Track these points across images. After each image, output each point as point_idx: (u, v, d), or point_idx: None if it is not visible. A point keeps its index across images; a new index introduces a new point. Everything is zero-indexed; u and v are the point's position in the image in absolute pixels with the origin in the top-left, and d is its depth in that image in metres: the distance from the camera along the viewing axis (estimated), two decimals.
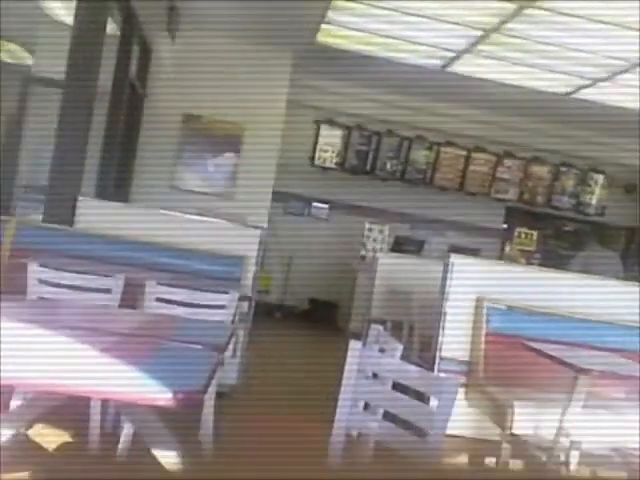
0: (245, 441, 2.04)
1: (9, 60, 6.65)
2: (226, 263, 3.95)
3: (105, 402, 2.75)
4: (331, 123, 7.85)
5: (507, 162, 8.14)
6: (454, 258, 3.63)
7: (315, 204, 7.94)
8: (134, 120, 6.30)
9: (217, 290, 3.19)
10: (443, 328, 3.53)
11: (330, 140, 7.86)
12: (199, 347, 2.18)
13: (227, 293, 3.13)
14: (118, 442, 2.66)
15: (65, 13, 5.23)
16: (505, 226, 8.45)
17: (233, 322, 3.22)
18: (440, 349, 3.52)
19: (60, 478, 2.42)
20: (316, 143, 7.81)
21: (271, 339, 5.42)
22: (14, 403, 2.24)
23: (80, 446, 2.77)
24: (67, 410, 2.08)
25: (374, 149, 7.90)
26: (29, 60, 6.66)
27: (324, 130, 7.83)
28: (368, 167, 7.90)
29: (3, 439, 1.94)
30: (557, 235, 8.64)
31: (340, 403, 1.87)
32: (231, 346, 3.08)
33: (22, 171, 6.07)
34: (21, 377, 1.66)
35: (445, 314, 3.55)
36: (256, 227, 4.37)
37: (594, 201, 8.33)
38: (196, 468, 2.06)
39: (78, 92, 4.26)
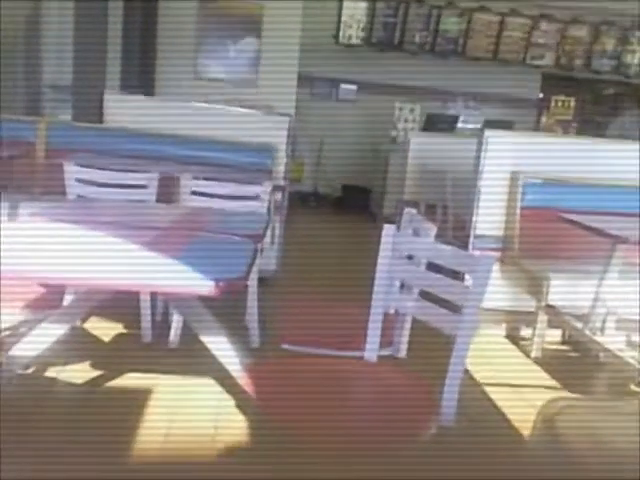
0: (289, 321, 2.14)
1: None
2: (256, 153, 3.94)
3: (153, 294, 2.90)
4: None
5: (543, 25, 7.66)
6: (488, 133, 3.54)
7: (342, 86, 7.68)
8: (151, 9, 6.08)
9: (250, 181, 3.20)
10: (477, 206, 3.52)
11: (354, 14, 7.46)
12: (237, 237, 2.22)
13: (260, 184, 3.15)
14: (169, 331, 2.84)
15: None
16: (541, 95, 8.12)
17: (268, 212, 3.27)
18: (475, 227, 3.53)
19: (117, 367, 2.61)
20: (340, 18, 7.43)
21: (306, 227, 5.51)
22: (67, 300, 2.36)
23: (134, 337, 2.94)
24: (119, 303, 2.19)
25: (401, 20, 7.49)
26: None
27: (347, 3, 7.43)
28: (396, 41, 7.52)
29: (61, 332, 2.07)
30: (595, 101, 8.27)
31: (376, 283, 1.91)
32: (268, 235, 3.15)
33: (46, 71, 6.01)
34: (70, 275, 1.73)
35: (479, 191, 3.52)
36: (284, 115, 4.30)
37: (636, 60, 7.88)
38: (246, 354, 2.18)
39: None
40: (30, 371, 2.45)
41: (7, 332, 2.61)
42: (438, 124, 6.63)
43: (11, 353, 2.06)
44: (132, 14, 5.43)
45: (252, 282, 2.92)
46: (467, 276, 1.77)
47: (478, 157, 3.54)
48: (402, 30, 7.51)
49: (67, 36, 4.45)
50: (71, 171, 3.02)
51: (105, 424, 2.15)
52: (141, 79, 5.87)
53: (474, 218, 3.53)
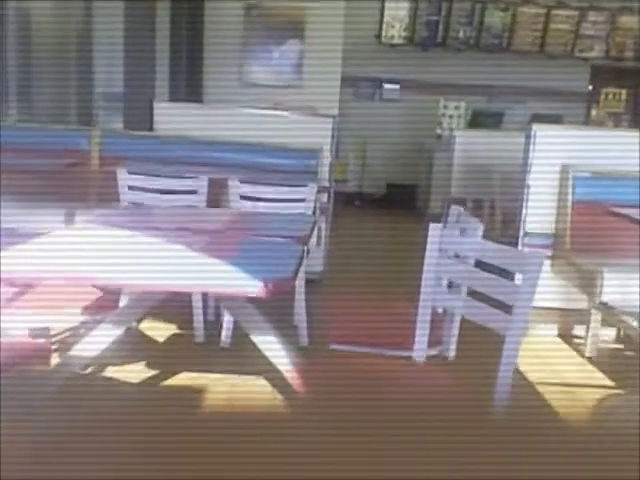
0: (337, 321, 2.16)
1: None
2: (301, 156, 3.98)
3: (205, 295, 2.97)
4: None
5: (591, 16, 7.46)
6: (536, 127, 3.48)
7: (386, 85, 7.66)
8: (197, 17, 6.21)
9: (296, 184, 3.24)
10: (526, 202, 3.46)
11: (396, 13, 7.43)
12: (284, 239, 2.26)
13: (305, 186, 3.19)
14: (221, 331, 2.90)
15: None
16: (590, 88, 7.90)
17: (314, 213, 3.30)
18: (524, 224, 3.48)
19: (171, 367, 2.69)
20: (382, 18, 7.42)
21: (352, 227, 5.52)
22: (123, 302, 2.45)
23: (187, 337, 3.02)
24: (172, 304, 2.26)
25: (444, 17, 7.43)
26: None
27: (389, 2, 7.41)
28: (439, 38, 7.46)
29: (117, 333, 2.15)
30: None
31: (424, 283, 1.91)
32: (314, 236, 3.18)
33: (98, 79, 6.20)
34: (125, 278, 1.80)
35: (528, 187, 3.46)
36: (328, 116, 4.33)
37: None
38: (296, 353, 2.22)
39: None
40: (89, 371, 2.54)
41: (67, 333, 2.73)
42: (484, 120, 6.55)
43: (71, 353, 2.15)
44: (179, 23, 5.57)
45: (300, 283, 2.96)
46: (517, 274, 1.75)
47: (526, 152, 3.48)
48: (445, 27, 7.45)
49: (118, 43, 4.59)
50: (124, 178, 3.12)
51: (160, 423, 2.22)
52: (189, 86, 6.01)
53: (523, 214, 3.48)
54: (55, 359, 2.28)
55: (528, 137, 3.46)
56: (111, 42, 5.60)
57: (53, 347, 2.53)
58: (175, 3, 5.50)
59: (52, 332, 2.50)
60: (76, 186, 3.66)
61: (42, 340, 2.20)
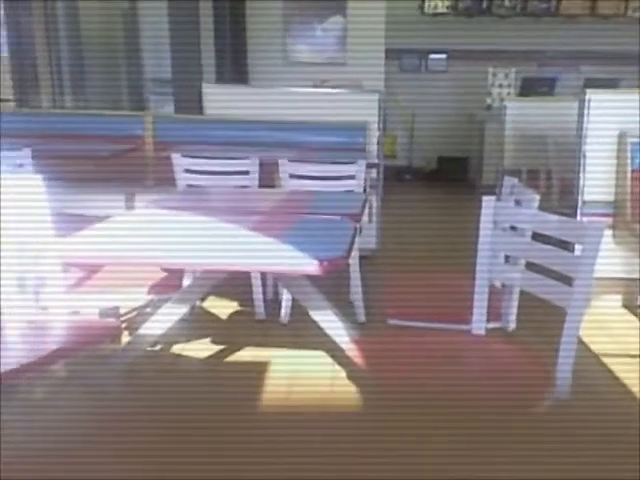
0: (393, 296, 2.18)
1: None
2: (349, 132, 3.98)
3: (263, 274, 3.03)
4: None
5: None
6: (590, 94, 3.37)
7: (432, 56, 7.53)
8: None
9: (345, 161, 3.25)
10: (583, 171, 3.38)
11: None
12: (337, 217, 2.28)
13: (354, 163, 3.19)
14: (280, 308, 2.97)
15: None
16: None
17: (365, 190, 3.30)
18: (582, 193, 3.39)
19: (234, 343, 2.77)
20: None
21: (403, 201, 5.47)
22: (186, 282, 2.53)
23: (248, 314, 3.10)
24: (233, 282, 2.32)
25: None
26: None
27: None
28: (484, 5, 7.27)
29: (183, 311, 2.23)
30: None
31: (479, 257, 1.89)
32: (366, 213, 3.18)
33: (147, 65, 6.30)
34: (187, 259, 1.85)
35: (584, 156, 3.37)
36: (373, 91, 4.30)
37: None
38: (354, 327, 2.25)
39: None
40: (157, 348, 2.64)
41: (135, 312, 2.84)
42: (535, 88, 6.36)
43: (140, 332, 2.24)
44: (221, 6, 5.59)
45: (354, 260, 2.99)
46: (577, 245, 1.72)
47: (581, 119, 3.38)
48: None
49: (164, 29, 4.65)
50: (179, 163, 3.19)
51: (227, 395, 2.30)
52: (235, 66, 6.05)
53: (581, 183, 3.39)
54: (125, 338, 2.39)
55: (582, 103, 3.36)
56: (157, 28, 5.68)
57: (123, 326, 2.64)
58: None
59: (121, 312, 2.62)
60: (134, 171, 3.77)
61: (112, 319, 2.31)
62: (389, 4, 6.44)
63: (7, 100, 5.24)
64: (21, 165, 3.08)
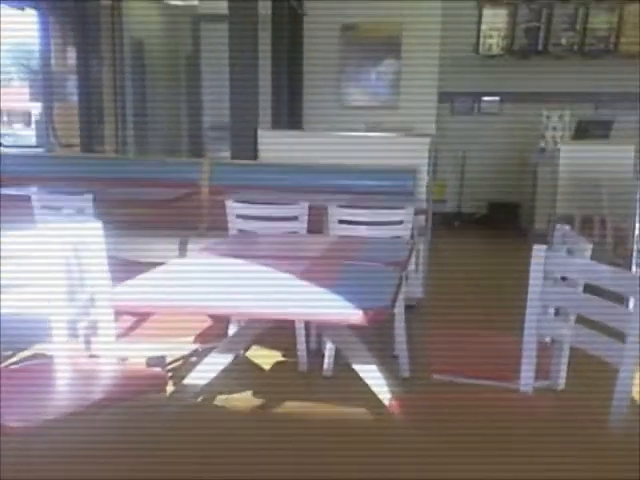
0: (439, 350, 2.14)
1: (178, 2, 7.08)
2: (397, 177, 4.00)
3: (307, 323, 3.03)
4: (494, 2, 7.23)
5: None
6: None
7: (484, 99, 7.50)
8: (297, 42, 6.41)
9: (393, 206, 3.25)
10: (639, 220, 3.28)
11: (494, 22, 7.27)
12: (383, 265, 2.27)
13: (403, 208, 3.19)
14: (323, 359, 2.95)
15: None
16: None
17: (412, 236, 3.29)
18: (637, 243, 3.28)
19: (277, 396, 2.75)
20: (479, 29, 7.28)
21: (452, 249, 5.41)
22: (232, 330, 2.56)
23: (291, 365, 3.09)
24: (277, 332, 2.33)
25: (545, 23, 7.18)
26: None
27: (487, 11, 7.24)
28: (540, 45, 7.21)
29: (227, 361, 2.24)
30: None
31: (528, 310, 1.86)
32: (413, 260, 3.17)
33: (206, 110, 6.55)
34: (234, 307, 1.88)
35: None
36: (424, 135, 4.32)
37: None
38: (397, 383, 2.21)
39: (242, 23, 4.39)
40: (200, 399, 2.63)
41: (180, 361, 2.88)
42: (591, 130, 6.24)
43: (185, 382, 2.27)
44: (280, 52, 5.77)
45: (399, 310, 2.95)
46: (631, 299, 1.67)
47: (637, 164, 3.30)
48: (546, 33, 7.19)
49: (224, 79, 4.82)
50: (231, 207, 3.28)
51: (268, 451, 2.28)
52: (290, 112, 6.21)
53: (637, 232, 3.28)
54: (170, 387, 2.42)
55: None
56: (217, 77, 5.91)
57: (168, 375, 2.68)
58: (275, 32, 5.71)
59: (167, 360, 2.66)
60: (189, 214, 3.89)
61: (158, 369, 2.34)
62: (443, 46, 6.49)
63: (73, 145, 5.54)
64: (82, 210, 3.21)
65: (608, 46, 7.09)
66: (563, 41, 7.18)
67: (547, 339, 2.00)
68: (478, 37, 7.28)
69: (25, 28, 5.72)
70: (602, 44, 7.10)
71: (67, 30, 5.84)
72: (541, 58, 7.20)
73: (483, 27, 7.27)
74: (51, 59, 5.84)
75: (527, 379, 1.85)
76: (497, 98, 7.46)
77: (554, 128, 6.91)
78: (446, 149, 6.72)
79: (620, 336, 1.59)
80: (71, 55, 5.81)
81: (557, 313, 1.94)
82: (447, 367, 1.98)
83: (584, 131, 6.31)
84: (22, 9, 5.58)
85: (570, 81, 7.08)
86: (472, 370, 1.96)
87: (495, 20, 7.27)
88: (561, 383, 1.93)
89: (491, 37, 7.30)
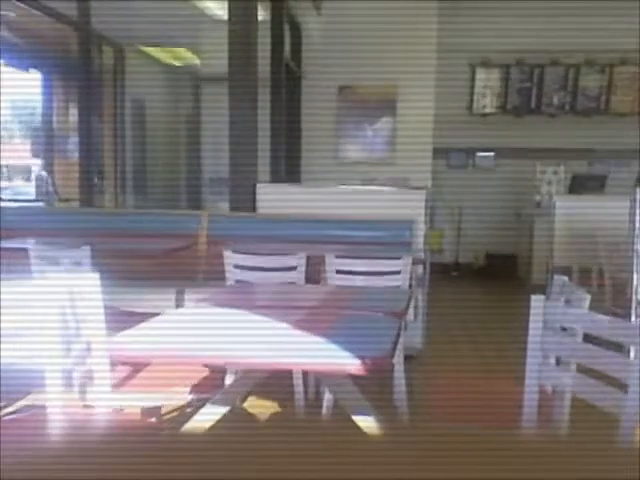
0: (439, 401, 2.11)
1: (178, 63, 7.29)
2: (395, 228, 4.03)
3: (305, 373, 2.99)
4: (487, 64, 7.47)
5: None
6: None
7: (479, 154, 7.66)
8: (294, 101, 6.57)
9: (390, 256, 3.26)
10: (637, 270, 3.29)
11: (487, 83, 7.51)
12: (381, 314, 2.26)
13: (400, 258, 3.20)
14: (321, 409, 2.89)
15: (223, 12, 5.55)
16: None
17: (410, 286, 3.29)
18: (636, 293, 3.29)
19: (273, 446, 2.68)
20: (473, 88, 7.50)
21: (450, 299, 5.40)
22: (228, 380, 2.52)
23: (288, 415, 3.04)
24: (273, 382, 2.30)
25: (537, 84, 7.41)
26: (196, 61, 7.24)
27: (480, 73, 7.49)
28: (533, 105, 7.42)
29: (223, 412, 2.20)
30: None
31: (529, 360, 1.84)
32: (411, 310, 3.15)
33: (205, 165, 6.65)
34: (231, 356, 1.86)
35: (638, 254, 3.30)
36: (420, 188, 4.38)
37: None
38: (393, 432, 2.17)
39: (242, 85, 4.50)
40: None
41: (175, 412, 2.82)
42: (585, 184, 6.34)
43: (180, 432, 2.21)
44: (278, 110, 5.91)
45: (398, 360, 2.93)
46: (631, 348, 1.66)
47: (632, 216, 3.34)
48: (538, 93, 7.41)
49: (224, 136, 4.91)
50: (229, 258, 3.28)
51: None
52: (288, 167, 6.31)
53: (635, 282, 3.29)
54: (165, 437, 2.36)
55: (634, 202, 3.33)
56: (216, 134, 6.03)
57: (163, 426, 2.62)
58: (274, 92, 5.87)
59: (162, 411, 2.60)
60: (186, 265, 3.89)
61: (153, 419, 2.30)
62: (438, 104, 6.66)
63: (72, 200, 5.59)
64: (79, 262, 3.20)
65: (599, 105, 7.29)
66: (555, 100, 7.39)
67: (548, 388, 1.98)
68: (472, 95, 7.48)
69: (28, 85, 5.87)
70: (594, 103, 7.31)
71: (69, 89, 5.99)
72: (534, 116, 7.39)
73: (477, 87, 7.49)
74: (53, 116, 5.97)
75: (529, 429, 1.82)
76: (492, 153, 7.61)
77: (549, 182, 7.02)
78: (443, 202, 6.80)
79: (621, 385, 1.58)
80: (73, 112, 5.93)
81: (558, 362, 1.92)
82: (447, 417, 1.95)
83: (579, 185, 6.41)
84: (27, 71, 5.75)
85: (563, 138, 7.26)
86: (473, 420, 1.92)
87: (488, 80, 7.49)
88: (563, 432, 1.89)
89: (484, 96, 7.51)
